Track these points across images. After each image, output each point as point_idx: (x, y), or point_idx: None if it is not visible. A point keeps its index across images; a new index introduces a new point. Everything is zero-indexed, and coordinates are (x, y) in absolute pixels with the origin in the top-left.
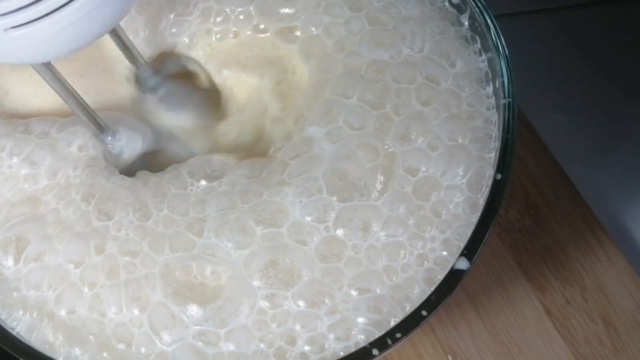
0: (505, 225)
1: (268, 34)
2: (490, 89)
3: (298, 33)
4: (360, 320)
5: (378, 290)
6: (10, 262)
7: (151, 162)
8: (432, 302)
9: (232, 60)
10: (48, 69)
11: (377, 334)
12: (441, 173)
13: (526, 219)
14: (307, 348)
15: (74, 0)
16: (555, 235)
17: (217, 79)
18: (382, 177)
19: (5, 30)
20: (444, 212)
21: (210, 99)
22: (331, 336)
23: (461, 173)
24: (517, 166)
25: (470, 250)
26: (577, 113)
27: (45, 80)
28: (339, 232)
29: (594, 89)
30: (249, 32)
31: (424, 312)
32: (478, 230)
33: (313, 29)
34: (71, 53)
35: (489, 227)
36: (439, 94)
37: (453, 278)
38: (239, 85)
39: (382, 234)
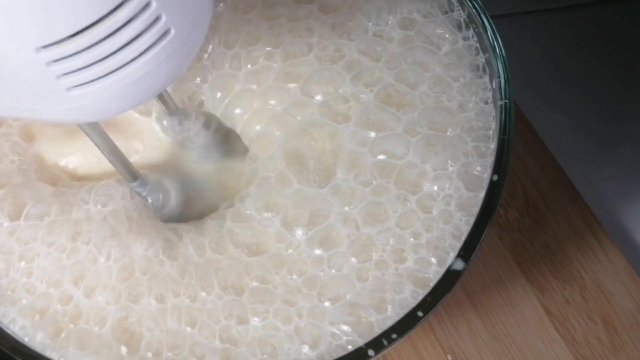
0: (505, 225)
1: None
2: (486, 81)
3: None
4: (344, 328)
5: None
6: None
7: (187, 213)
8: (428, 303)
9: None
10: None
11: (361, 341)
12: (432, 171)
13: (526, 219)
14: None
15: (139, 58)
16: (554, 235)
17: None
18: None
19: (67, 89)
20: (434, 210)
21: (238, 142)
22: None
23: (451, 169)
24: (516, 166)
25: (466, 251)
26: (577, 113)
27: (82, 129)
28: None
29: (594, 88)
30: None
31: (419, 313)
32: (475, 231)
33: None
34: (130, 109)
35: (485, 228)
36: (426, 80)
37: (449, 279)
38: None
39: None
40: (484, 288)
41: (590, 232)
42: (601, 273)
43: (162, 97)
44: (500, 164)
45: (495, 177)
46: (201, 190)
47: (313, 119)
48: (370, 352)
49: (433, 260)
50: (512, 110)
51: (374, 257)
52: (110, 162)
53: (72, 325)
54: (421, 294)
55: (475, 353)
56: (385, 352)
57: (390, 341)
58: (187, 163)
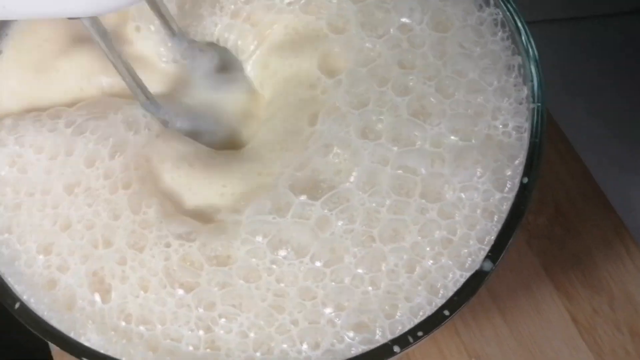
0: (534, 232)
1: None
2: (520, 82)
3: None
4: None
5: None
6: None
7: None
8: (455, 303)
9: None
10: (96, 28)
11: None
12: (458, 174)
13: (555, 226)
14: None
15: None
16: (584, 244)
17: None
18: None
19: None
20: (456, 214)
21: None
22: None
23: (479, 174)
24: (547, 173)
25: (494, 252)
26: (609, 121)
27: (94, 40)
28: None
29: (627, 97)
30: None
31: (446, 312)
32: (504, 232)
33: None
34: (117, 9)
35: (514, 229)
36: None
37: (476, 279)
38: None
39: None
40: (510, 293)
41: (621, 242)
42: (630, 283)
43: (163, 18)
44: (531, 167)
45: (526, 180)
46: (213, 119)
47: None
48: (396, 349)
49: (460, 261)
50: (544, 113)
51: (383, 268)
52: (121, 74)
53: None
54: (449, 292)
55: (501, 358)
56: (410, 349)
57: (416, 338)
58: (191, 85)
